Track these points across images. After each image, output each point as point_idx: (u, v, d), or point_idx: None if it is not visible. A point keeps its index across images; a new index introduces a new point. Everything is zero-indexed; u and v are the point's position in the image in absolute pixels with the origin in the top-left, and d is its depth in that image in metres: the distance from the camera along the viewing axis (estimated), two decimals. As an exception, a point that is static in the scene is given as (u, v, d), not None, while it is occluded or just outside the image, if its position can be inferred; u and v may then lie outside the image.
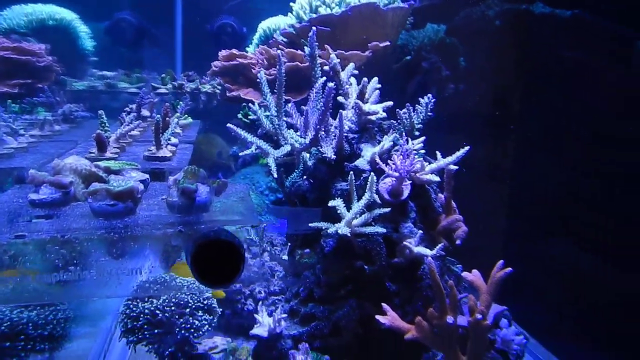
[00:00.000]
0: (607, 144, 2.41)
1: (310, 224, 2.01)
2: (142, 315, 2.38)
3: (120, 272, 1.39)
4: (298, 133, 2.12)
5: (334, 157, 2.03)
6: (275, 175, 2.05)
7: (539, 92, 2.93)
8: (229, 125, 2.02)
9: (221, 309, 2.91)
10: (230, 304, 2.97)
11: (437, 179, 2.06)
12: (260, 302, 2.32)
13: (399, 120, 2.21)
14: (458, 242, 2.09)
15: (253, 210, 1.56)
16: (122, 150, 2.06)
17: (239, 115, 3.57)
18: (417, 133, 2.24)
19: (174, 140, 2.14)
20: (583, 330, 2.52)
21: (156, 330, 2.35)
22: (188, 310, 2.37)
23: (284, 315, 1.96)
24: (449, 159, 2.06)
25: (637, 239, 2.23)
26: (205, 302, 2.47)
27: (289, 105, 2.16)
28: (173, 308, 2.37)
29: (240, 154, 2.15)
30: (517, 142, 3.19)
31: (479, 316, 1.74)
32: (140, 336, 2.36)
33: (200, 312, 2.40)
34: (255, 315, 1.98)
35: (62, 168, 1.45)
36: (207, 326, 2.42)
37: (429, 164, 2.09)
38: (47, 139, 2.37)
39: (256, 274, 3.05)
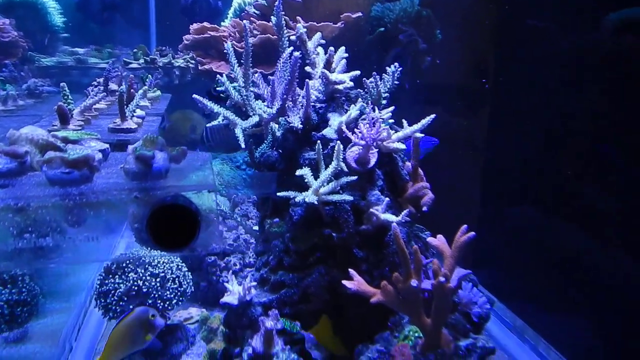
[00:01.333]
0: (576, 116, 2.43)
1: (278, 193, 2.02)
2: (115, 290, 2.39)
3: (77, 239, 1.39)
4: (266, 103, 2.11)
5: (300, 126, 2.03)
6: (244, 146, 2.05)
7: (513, 63, 2.94)
8: (194, 96, 2.01)
9: (197, 281, 2.94)
10: (206, 276, 2.99)
11: (403, 147, 2.07)
12: (232, 274, 2.32)
13: (366, 90, 2.21)
14: (424, 208, 2.11)
15: (211, 177, 1.56)
16: (86, 123, 2.04)
17: (217, 87, 3.54)
18: (384, 102, 2.24)
19: (140, 112, 2.12)
20: (548, 294, 2.58)
21: (128, 304, 2.36)
22: (159, 282, 2.38)
23: (254, 284, 1.98)
24: (415, 126, 2.07)
25: (598, 207, 2.28)
26: (177, 275, 2.49)
27: (256, 75, 2.14)
28: (145, 281, 2.37)
29: (208, 125, 2.14)
30: (491, 113, 3.21)
31: (442, 279, 1.77)
32: (113, 309, 2.37)
33: (170, 283, 2.41)
34: (225, 284, 1.99)
35: (17, 138, 1.43)
36: (178, 298, 2.44)
37: (396, 132, 2.10)
38: (9, 113, 2.33)
39: (231, 246, 3.06)
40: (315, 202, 1.92)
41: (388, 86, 2.21)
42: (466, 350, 1.87)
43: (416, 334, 1.95)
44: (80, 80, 3.49)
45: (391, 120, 2.25)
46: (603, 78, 2.30)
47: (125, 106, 1.93)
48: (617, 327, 2.18)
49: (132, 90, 2.12)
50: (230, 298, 1.97)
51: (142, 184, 1.42)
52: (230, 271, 2.09)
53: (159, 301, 2.39)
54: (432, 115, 2.07)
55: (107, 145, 1.58)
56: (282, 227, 2.10)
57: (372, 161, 2.04)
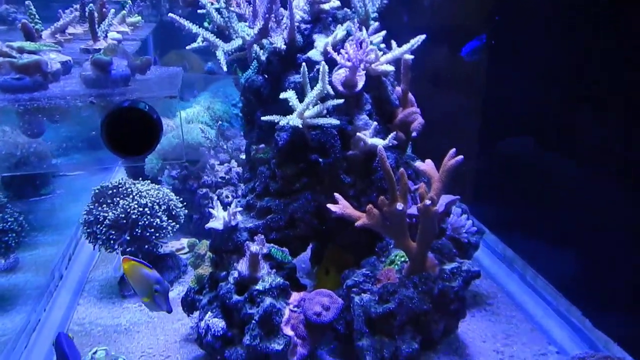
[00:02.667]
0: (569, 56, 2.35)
1: (262, 117, 1.98)
2: (104, 220, 2.38)
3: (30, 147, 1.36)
4: (247, 23, 2.04)
5: (284, 47, 1.96)
6: (225, 69, 1.99)
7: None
8: (170, 15, 1.93)
9: (190, 214, 2.94)
10: (198, 208, 2.99)
11: (392, 69, 2.01)
12: (217, 200, 2.30)
13: (353, 10, 2.12)
14: (414, 134, 2.07)
15: (175, 86, 1.51)
16: (58, 45, 1.97)
17: (205, 24, 3.43)
18: (375, 23, 2.16)
19: (116, 35, 2.05)
20: (538, 226, 2.58)
21: (118, 233, 2.37)
22: (149, 212, 2.37)
23: (239, 209, 1.96)
24: (404, 47, 2.00)
25: (591, 139, 2.24)
26: (168, 204, 2.47)
27: (238, -5, 2.06)
28: (134, 211, 2.36)
29: (188, 47, 2.07)
30: (491, 52, 3.10)
31: (428, 202, 1.75)
32: (100, 237, 2.37)
33: (161, 213, 2.40)
34: (211, 210, 1.98)
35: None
36: (168, 228, 2.44)
37: (384, 54, 2.03)
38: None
39: (223, 179, 3.04)
40: (300, 126, 1.88)
41: (377, 6, 2.12)
42: (451, 273, 1.88)
43: (402, 259, 1.96)
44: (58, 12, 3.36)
45: (382, 45, 2.18)
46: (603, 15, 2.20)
47: (97, 26, 1.85)
48: (604, 257, 2.19)
49: (104, 10, 2.04)
50: (216, 223, 1.96)
51: (101, 91, 1.37)
52: (216, 197, 2.07)
53: (150, 229, 2.40)
54: (422, 36, 2.00)
55: (69, 58, 1.52)
56: (267, 153, 2.06)
57: (360, 84, 1.99)
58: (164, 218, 2.46)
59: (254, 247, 1.89)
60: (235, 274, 1.94)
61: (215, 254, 2.02)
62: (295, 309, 1.91)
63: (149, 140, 1.27)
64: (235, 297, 1.91)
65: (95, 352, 1.88)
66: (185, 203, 2.89)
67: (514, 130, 2.76)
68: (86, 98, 1.32)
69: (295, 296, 1.95)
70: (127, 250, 2.38)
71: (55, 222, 3.31)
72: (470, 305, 2.37)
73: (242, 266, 1.92)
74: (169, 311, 1.78)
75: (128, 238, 2.34)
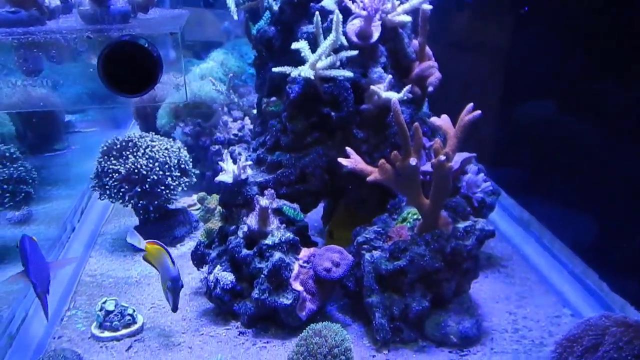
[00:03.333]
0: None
1: (274, 69, 1.94)
2: (114, 174, 2.38)
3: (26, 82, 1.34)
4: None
5: (297, -6, 1.90)
6: (236, 17, 1.94)
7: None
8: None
9: (202, 171, 2.93)
10: (210, 165, 2.98)
11: (409, 19, 1.94)
12: (227, 153, 2.27)
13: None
14: (430, 89, 2.02)
15: (178, 24, 1.47)
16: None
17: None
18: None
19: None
20: (556, 188, 2.52)
21: (129, 187, 2.36)
22: (159, 167, 2.36)
23: (249, 163, 1.94)
24: (423, -4, 1.92)
25: (610, 102, 2.16)
26: (179, 160, 2.46)
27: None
28: (144, 166, 2.35)
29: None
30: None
31: (442, 157, 1.71)
32: (110, 192, 2.37)
33: (173, 168, 2.39)
34: (220, 163, 1.96)
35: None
36: (179, 184, 2.43)
37: (401, 3, 1.96)
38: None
39: (236, 136, 3.02)
40: (312, 77, 1.83)
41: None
42: (464, 231, 1.85)
43: (414, 216, 1.93)
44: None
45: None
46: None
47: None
48: (622, 221, 2.14)
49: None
50: (225, 177, 1.94)
51: (97, 26, 1.33)
52: (226, 150, 2.05)
53: (161, 186, 2.39)
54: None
55: (69, -3, 1.48)
56: (278, 105, 2.03)
57: (375, 35, 1.93)
58: (175, 173, 2.44)
59: (263, 201, 1.87)
60: (245, 228, 1.93)
61: (225, 208, 2.01)
62: (305, 264, 1.91)
63: (148, 78, 1.24)
64: (245, 251, 1.91)
65: (104, 302, 1.90)
66: (198, 160, 2.88)
67: (535, 92, 2.69)
68: (83, 33, 1.29)
69: (305, 252, 1.94)
70: (138, 205, 2.38)
71: (69, 177, 3.33)
72: (484, 266, 2.34)
73: (252, 220, 1.91)
74: (174, 310, 1.76)
75: (139, 190, 2.33)
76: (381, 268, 1.81)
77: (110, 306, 1.89)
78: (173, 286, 1.72)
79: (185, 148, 2.65)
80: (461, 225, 1.86)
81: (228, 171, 1.93)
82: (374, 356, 1.78)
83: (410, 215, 1.94)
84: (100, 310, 1.89)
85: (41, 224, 2.72)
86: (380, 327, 1.78)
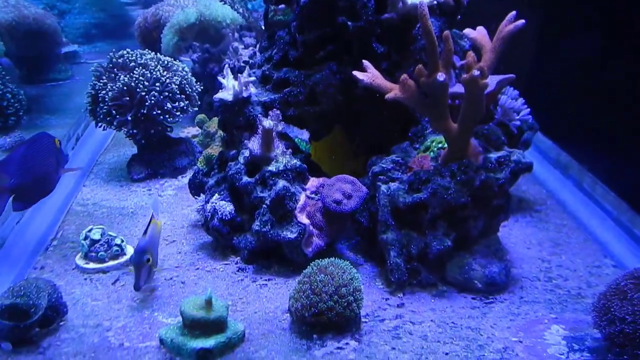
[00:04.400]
0: None
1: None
2: (106, 95, 2.19)
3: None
4: None
5: None
6: None
7: None
8: None
9: (210, 101, 2.73)
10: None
11: None
12: (228, 67, 2.06)
13: None
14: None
15: None
16: None
17: None
18: None
19: None
20: (599, 129, 2.27)
21: (122, 110, 2.18)
22: (158, 88, 2.16)
23: (252, 79, 1.74)
24: None
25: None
26: (181, 83, 2.26)
27: None
28: (141, 86, 2.16)
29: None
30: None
31: (476, 72, 1.48)
32: (104, 117, 2.19)
33: (174, 92, 2.19)
34: (220, 79, 1.75)
35: None
36: (182, 110, 2.24)
37: None
38: None
39: (246, 63, 2.80)
40: (327, -23, 1.60)
41: None
42: (497, 162, 1.63)
43: (439, 145, 1.71)
44: None
45: None
46: None
47: None
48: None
49: None
50: (225, 94, 1.74)
51: None
52: (227, 65, 1.84)
53: (158, 111, 2.20)
54: None
55: None
56: (288, 14, 1.80)
57: None
58: (177, 97, 2.25)
59: (267, 122, 1.67)
60: (246, 153, 1.74)
61: (225, 131, 1.82)
62: (313, 195, 1.72)
63: None
64: (245, 179, 1.72)
65: (90, 230, 1.75)
66: (206, 90, 2.68)
67: (579, 28, 2.41)
68: None
69: (313, 182, 1.75)
70: (132, 131, 2.20)
71: (70, 107, 3.19)
72: (514, 210, 2.13)
73: (254, 144, 1.72)
74: (135, 288, 1.54)
75: (133, 114, 2.15)
76: (399, 201, 1.61)
77: (95, 235, 1.74)
78: (135, 259, 1.53)
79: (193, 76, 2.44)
80: (493, 155, 1.64)
81: (228, 87, 1.73)
82: (387, 299, 1.61)
83: (434, 144, 1.72)
84: (85, 239, 1.74)
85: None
86: (395, 267, 1.59)
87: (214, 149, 1.95)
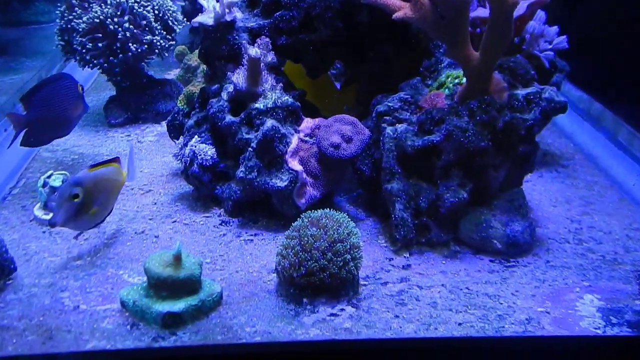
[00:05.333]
0: None
1: None
2: (77, 27, 1.95)
3: None
4: None
5: None
6: None
7: None
8: None
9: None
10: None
11: None
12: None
13: None
14: None
15: None
16: None
17: None
18: None
19: None
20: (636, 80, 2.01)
21: (93, 44, 1.94)
22: (134, 18, 1.92)
23: (237, 0, 1.49)
24: None
25: None
26: (161, 14, 2.01)
27: None
28: (114, 16, 1.91)
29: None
30: None
31: (504, -14, 1.22)
32: (74, 51, 1.96)
33: (153, 24, 1.95)
34: (200, 0, 1.51)
35: None
36: (162, 46, 2.00)
37: None
38: None
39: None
40: None
41: None
42: (525, 100, 1.39)
43: (456, 80, 1.48)
44: None
45: None
46: None
47: None
48: None
49: None
50: (205, 17, 1.51)
51: None
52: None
53: (135, 45, 1.96)
54: None
55: None
56: None
57: None
58: (156, 28, 2.00)
59: (253, 51, 1.43)
60: (230, 88, 1.51)
61: (207, 63, 1.59)
62: (307, 138, 1.49)
63: None
64: (229, 118, 1.50)
65: (49, 176, 1.54)
66: (197, 31, 2.44)
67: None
68: None
69: (307, 122, 1.52)
70: (105, 65, 1.97)
71: (49, 50, 2.95)
72: (538, 164, 1.89)
73: (239, 77, 1.49)
74: (50, 223, 1.29)
75: (105, 48, 1.91)
76: (406, 145, 1.38)
77: (56, 182, 1.53)
78: (60, 189, 1.32)
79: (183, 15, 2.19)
80: (521, 92, 1.40)
81: (208, 9, 1.49)
82: (390, 259, 1.40)
83: (449, 79, 1.48)
84: (44, 186, 1.53)
85: (4, 94, 2.35)
86: (400, 222, 1.37)
87: (196, 86, 1.73)
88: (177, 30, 2.09)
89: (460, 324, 1.17)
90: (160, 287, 1.18)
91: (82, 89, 1.70)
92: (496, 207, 1.43)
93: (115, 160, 1.37)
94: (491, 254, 1.41)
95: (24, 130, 1.62)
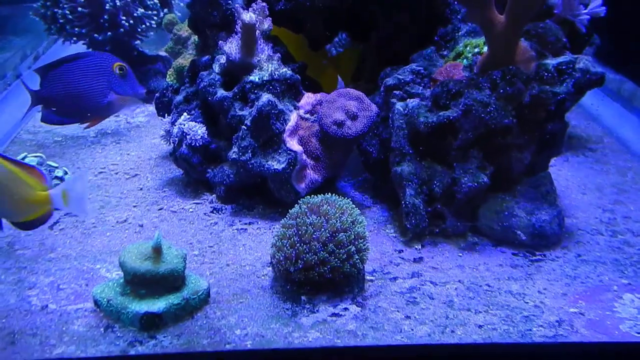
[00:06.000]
0: None
1: None
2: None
3: None
4: None
5: None
6: None
7: None
8: None
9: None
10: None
11: None
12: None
13: None
14: None
15: None
16: None
17: None
18: None
19: None
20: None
21: (79, 18, 1.79)
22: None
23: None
24: None
25: None
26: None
27: None
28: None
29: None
30: None
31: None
32: (59, 26, 1.82)
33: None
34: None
35: None
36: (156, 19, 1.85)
37: None
38: None
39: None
40: None
41: None
42: (555, 70, 1.22)
43: (475, 50, 1.32)
44: None
45: None
46: None
47: None
48: None
49: None
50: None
51: None
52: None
53: (124, 17, 1.81)
54: None
55: None
56: None
57: None
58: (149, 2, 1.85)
59: (247, 16, 1.28)
60: (222, 59, 1.36)
61: (197, 32, 1.46)
62: (308, 115, 1.34)
63: None
64: (221, 92, 1.36)
65: (23, 158, 1.39)
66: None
67: None
68: None
69: (308, 98, 1.37)
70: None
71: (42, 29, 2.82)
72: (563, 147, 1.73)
73: (232, 47, 1.34)
74: None
75: (91, 22, 1.76)
76: (419, 122, 1.23)
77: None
78: None
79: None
80: (551, 62, 1.23)
81: (197, -30, 1.33)
82: (400, 251, 1.25)
83: (468, 48, 1.32)
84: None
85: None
86: (412, 209, 1.22)
87: (187, 59, 1.58)
88: (174, 3, 1.95)
89: (480, 327, 1.02)
90: (137, 283, 1.04)
91: (124, 68, 1.59)
92: (520, 194, 1.28)
93: (29, 169, 1.03)
94: (514, 246, 1.27)
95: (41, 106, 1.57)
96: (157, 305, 1.02)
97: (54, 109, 1.58)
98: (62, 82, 1.55)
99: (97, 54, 1.61)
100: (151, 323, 1.01)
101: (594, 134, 1.92)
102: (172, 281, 1.05)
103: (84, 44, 1.89)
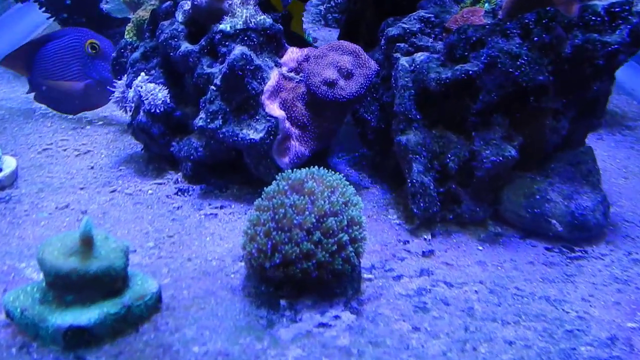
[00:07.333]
0: None
1: None
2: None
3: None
4: None
5: None
6: None
7: None
8: None
9: None
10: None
11: None
12: None
13: None
14: None
15: None
16: None
17: None
18: None
19: None
20: None
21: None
22: None
23: None
24: None
25: None
26: None
27: None
28: None
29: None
30: None
31: None
32: None
33: None
34: None
35: None
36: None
37: None
38: None
39: None
40: None
41: None
42: (607, 14, 0.97)
43: (502, -7, 1.05)
44: None
45: None
46: None
47: None
48: None
49: None
50: None
51: None
52: None
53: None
54: None
55: None
56: None
57: None
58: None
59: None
60: (186, 6, 1.11)
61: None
62: (292, 74, 1.09)
63: None
64: (186, 46, 1.11)
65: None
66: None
67: None
68: None
69: (293, 53, 1.12)
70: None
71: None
72: (595, 123, 1.49)
73: (196, -12, 1.07)
74: None
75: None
76: (429, 78, 0.98)
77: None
78: None
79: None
80: (600, 3, 0.98)
81: None
82: (405, 242, 1.02)
83: (493, -8, 1.06)
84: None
85: None
86: (419, 189, 0.98)
87: (148, 10, 1.32)
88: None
89: (511, 343, 0.78)
90: (62, 287, 0.79)
91: (96, 46, 1.38)
92: (555, 173, 1.05)
93: None
94: (547, 239, 1.06)
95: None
96: (87, 315, 0.77)
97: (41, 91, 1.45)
98: (41, 71, 1.41)
99: (70, 31, 1.41)
100: (78, 340, 0.77)
101: (630, 110, 1.70)
102: (109, 283, 0.80)
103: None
